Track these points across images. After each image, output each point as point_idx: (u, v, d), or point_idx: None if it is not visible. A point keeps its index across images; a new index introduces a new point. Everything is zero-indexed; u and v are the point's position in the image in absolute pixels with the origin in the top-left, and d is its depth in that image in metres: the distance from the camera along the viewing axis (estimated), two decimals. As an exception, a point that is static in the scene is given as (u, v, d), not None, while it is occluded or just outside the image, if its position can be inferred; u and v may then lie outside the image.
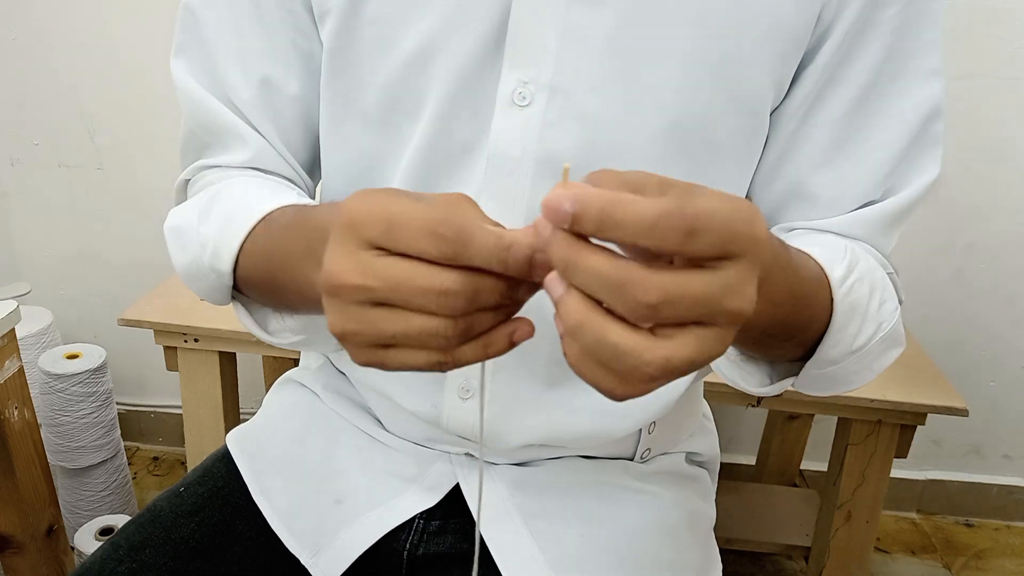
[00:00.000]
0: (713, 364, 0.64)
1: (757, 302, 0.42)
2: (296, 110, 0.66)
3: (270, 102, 0.65)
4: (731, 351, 0.59)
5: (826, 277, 0.55)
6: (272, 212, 0.58)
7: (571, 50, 0.56)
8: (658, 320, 0.35)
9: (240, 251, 0.58)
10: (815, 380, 0.59)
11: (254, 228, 0.58)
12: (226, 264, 0.58)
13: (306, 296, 0.51)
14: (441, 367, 0.40)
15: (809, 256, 0.55)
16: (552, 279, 0.37)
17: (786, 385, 0.61)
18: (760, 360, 0.60)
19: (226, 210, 0.60)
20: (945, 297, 1.76)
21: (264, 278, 0.57)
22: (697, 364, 0.36)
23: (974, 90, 1.59)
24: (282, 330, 0.62)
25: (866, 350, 0.58)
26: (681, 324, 0.35)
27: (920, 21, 0.59)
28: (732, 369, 0.61)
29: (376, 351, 0.40)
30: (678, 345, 0.35)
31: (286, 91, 0.65)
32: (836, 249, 0.57)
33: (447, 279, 0.37)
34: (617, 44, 0.56)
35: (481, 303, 0.38)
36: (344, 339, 0.40)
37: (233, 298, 0.62)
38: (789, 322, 0.52)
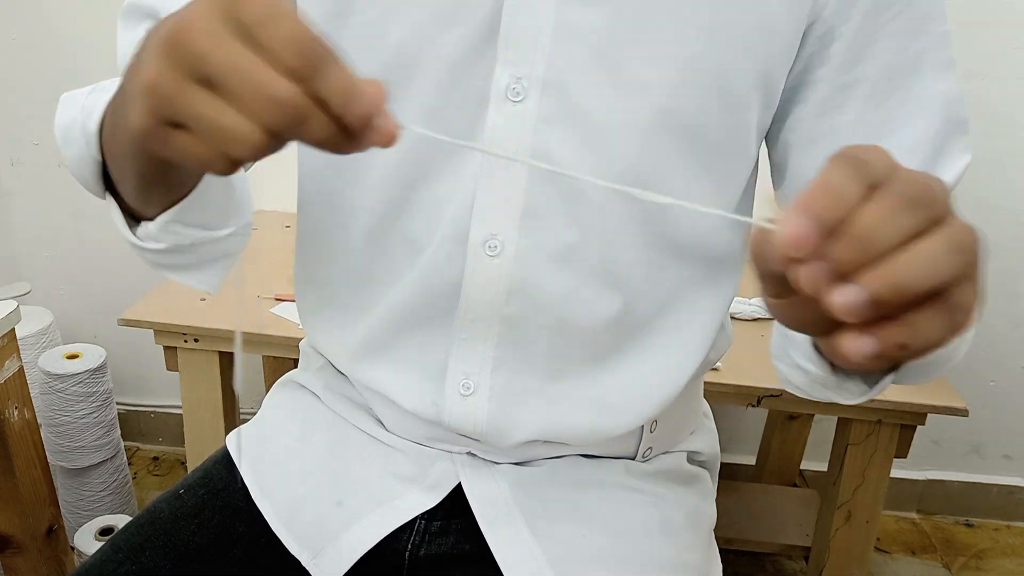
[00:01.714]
0: (797, 390, 0.62)
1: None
2: None
3: None
4: (827, 376, 0.56)
5: None
6: None
7: (564, 45, 0.57)
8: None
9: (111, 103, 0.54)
10: (919, 369, 0.56)
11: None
12: (94, 122, 0.55)
13: (120, 124, 0.46)
14: (220, 169, 0.37)
15: None
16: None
17: (886, 384, 0.57)
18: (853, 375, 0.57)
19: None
20: (945, 297, 1.76)
21: (110, 121, 0.53)
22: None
23: (976, 90, 1.59)
24: (146, 236, 0.58)
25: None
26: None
27: (928, 16, 0.59)
28: (825, 391, 0.59)
29: (165, 128, 0.37)
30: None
31: None
32: None
33: (289, 89, 0.35)
34: (609, 39, 0.56)
35: (300, 133, 0.36)
36: (150, 89, 0.36)
37: (107, 194, 0.59)
38: None
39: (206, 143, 0.36)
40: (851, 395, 0.57)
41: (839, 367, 0.55)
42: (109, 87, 0.56)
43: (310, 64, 0.35)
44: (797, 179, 0.64)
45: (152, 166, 0.49)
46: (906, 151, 0.61)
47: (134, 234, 0.58)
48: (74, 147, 0.57)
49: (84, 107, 0.56)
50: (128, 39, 0.62)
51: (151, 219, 0.57)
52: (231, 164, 0.37)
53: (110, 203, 0.59)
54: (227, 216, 0.60)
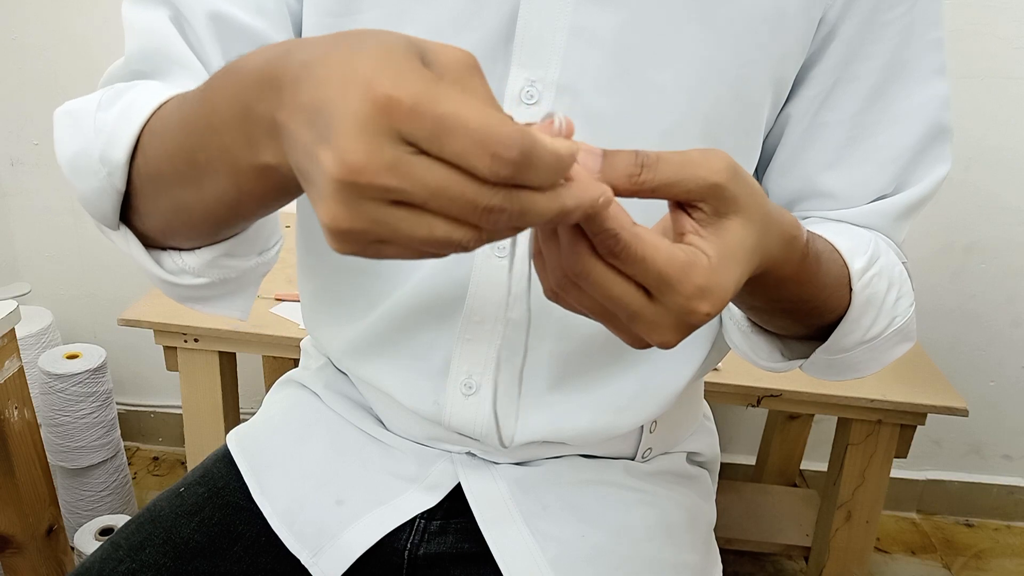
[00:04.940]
0: (725, 334, 0.65)
1: (763, 293, 0.47)
2: None
3: (235, 46, 0.58)
4: (742, 320, 0.60)
5: (847, 268, 0.56)
6: (187, 92, 0.48)
7: (578, 49, 0.57)
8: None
9: (142, 133, 0.48)
10: (825, 365, 0.61)
11: (162, 106, 0.49)
12: (121, 151, 0.48)
13: (242, 170, 0.42)
14: (439, 255, 0.36)
15: (833, 247, 0.56)
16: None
17: (795, 366, 0.61)
18: (770, 335, 0.60)
19: (132, 97, 0.51)
20: (945, 297, 1.76)
21: (177, 160, 0.46)
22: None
23: (975, 90, 1.60)
24: (180, 271, 0.53)
25: (877, 342, 0.59)
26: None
27: (924, 22, 0.60)
28: (742, 339, 0.62)
29: (371, 245, 0.34)
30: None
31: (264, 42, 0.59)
32: (860, 241, 0.59)
33: (495, 198, 0.33)
34: (624, 43, 0.56)
35: (519, 225, 0.35)
36: (343, 236, 0.34)
37: (123, 224, 0.53)
38: (800, 309, 0.54)
39: (421, 251, 0.35)
40: (763, 354, 0.60)
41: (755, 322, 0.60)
42: (119, 101, 0.52)
43: (512, 167, 0.32)
44: (784, 171, 0.65)
45: (258, 215, 0.48)
46: (886, 154, 0.62)
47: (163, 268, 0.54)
48: (90, 179, 0.50)
49: (99, 131, 0.50)
50: (138, 22, 0.58)
51: (173, 248, 0.53)
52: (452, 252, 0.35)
53: (127, 236, 0.53)
54: (272, 236, 0.58)
